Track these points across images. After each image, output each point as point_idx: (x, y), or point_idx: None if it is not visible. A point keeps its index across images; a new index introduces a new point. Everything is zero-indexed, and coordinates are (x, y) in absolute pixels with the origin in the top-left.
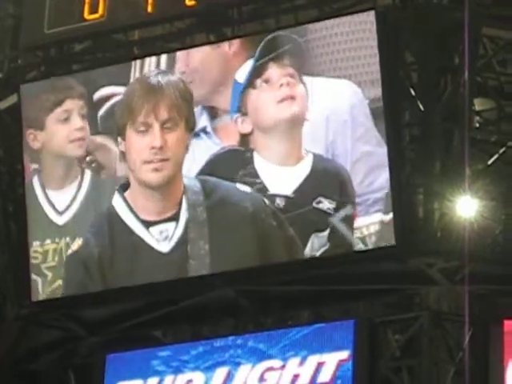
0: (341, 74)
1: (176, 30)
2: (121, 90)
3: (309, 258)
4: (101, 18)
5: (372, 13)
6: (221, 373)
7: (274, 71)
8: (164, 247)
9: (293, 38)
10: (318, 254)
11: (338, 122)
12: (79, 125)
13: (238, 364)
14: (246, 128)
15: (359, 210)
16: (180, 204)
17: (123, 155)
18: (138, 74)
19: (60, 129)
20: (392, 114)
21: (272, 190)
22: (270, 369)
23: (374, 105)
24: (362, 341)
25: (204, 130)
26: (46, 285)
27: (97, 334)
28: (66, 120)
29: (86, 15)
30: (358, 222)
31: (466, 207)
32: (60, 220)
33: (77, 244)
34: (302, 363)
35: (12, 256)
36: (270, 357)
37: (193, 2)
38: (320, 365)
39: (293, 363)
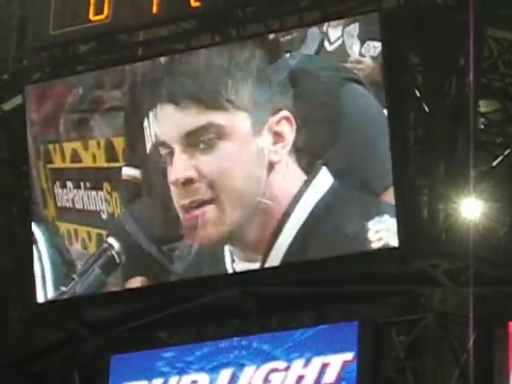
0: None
1: (181, 30)
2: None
3: (313, 260)
4: (106, 19)
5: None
6: (225, 374)
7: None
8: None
9: None
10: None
11: None
12: None
13: (243, 365)
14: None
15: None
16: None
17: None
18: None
19: None
20: (397, 116)
21: None
22: (275, 370)
23: None
24: (367, 342)
25: None
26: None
27: (101, 335)
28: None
29: (91, 16)
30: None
31: (471, 209)
32: None
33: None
34: (306, 364)
35: (16, 258)
36: (274, 358)
37: (198, 3)
38: (324, 366)
39: (297, 364)
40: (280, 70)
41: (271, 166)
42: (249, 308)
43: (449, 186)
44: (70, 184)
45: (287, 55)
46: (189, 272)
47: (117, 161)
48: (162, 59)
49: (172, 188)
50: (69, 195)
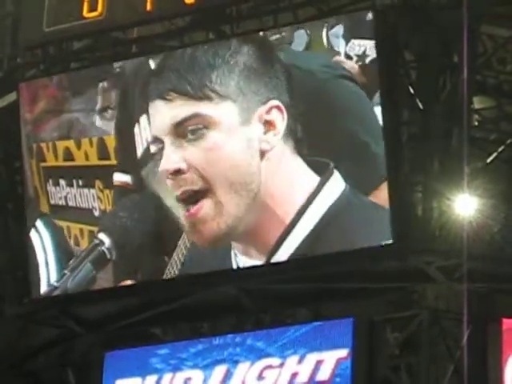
0: None
1: (175, 28)
2: None
3: (307, 257)
4: (100, 16)
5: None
6: (219, 371)
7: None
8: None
9: None
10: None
11: None
12: None
13: (237, 362)
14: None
15: None
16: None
17: None
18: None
19: None
20: (390, 113)
21: None
22: (269, 367)
23: None
24: (361, 339)
25: None
26: None
27: (95, 331)
28: None
29: (85, 13)
30: None
31: (465, 205)
32: None
33: None
34: (300, 361)
35: (11, 254)
36: (268, 355)
37: (192, 0)
38: (319, 363)
39: (292, 361)
40: (270, 63)
41: (262, 155)
42: (243, 305)
43: (443, 182)
44: (62, 182)
45: (278, 52)
46: (191, 268)
47: (109, 159)
48: (149, 63)
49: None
50: (62, 193)
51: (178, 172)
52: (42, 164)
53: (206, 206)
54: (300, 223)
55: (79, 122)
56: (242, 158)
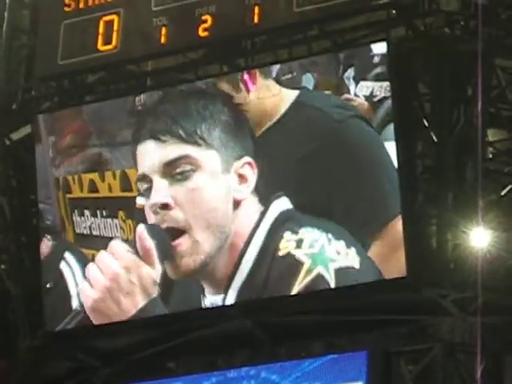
0: None
1: (189, 60)
2: None
3: (322, 290)
4: (114, 49)
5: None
6: None
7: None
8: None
9: None
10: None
11: None
12: None
13: None
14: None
15: None
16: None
17: None
18: None
19: None
20: (404, 145)
21: None
22: None
23: None
24: (375, 372)
25: None
26: None
27: (110, 364)
28: None
29: (100, 46)
30: None
31: (479, 238)
32: None
33: None
34: None
35: (25, 287)
36: None
37: (206, 33)
38: None
39: None
40: (241, 124)
41: (237, 203)
42: (258, 338)
43: (457, 215)
44: (87, 212)
45: (297, 92)
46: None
47: (131, 190)
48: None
49: (148, 214)
50: (86, 223)
51: (165, 206)
52: (68, 195)
53: (184, 243)
54: (245, 255)
55: (102, 156)
56: (220, 202)
